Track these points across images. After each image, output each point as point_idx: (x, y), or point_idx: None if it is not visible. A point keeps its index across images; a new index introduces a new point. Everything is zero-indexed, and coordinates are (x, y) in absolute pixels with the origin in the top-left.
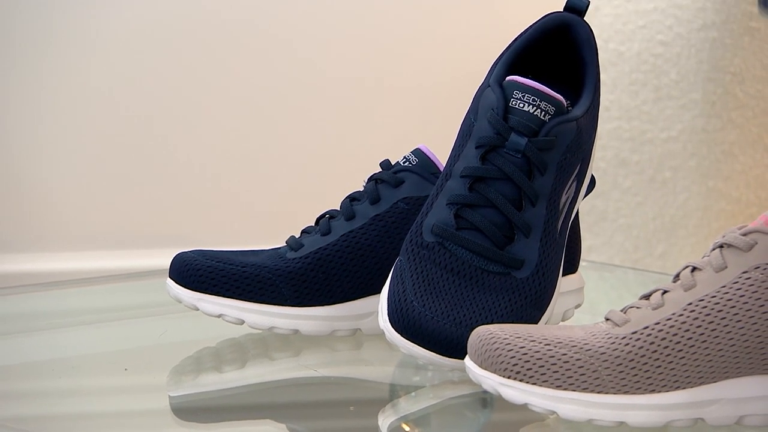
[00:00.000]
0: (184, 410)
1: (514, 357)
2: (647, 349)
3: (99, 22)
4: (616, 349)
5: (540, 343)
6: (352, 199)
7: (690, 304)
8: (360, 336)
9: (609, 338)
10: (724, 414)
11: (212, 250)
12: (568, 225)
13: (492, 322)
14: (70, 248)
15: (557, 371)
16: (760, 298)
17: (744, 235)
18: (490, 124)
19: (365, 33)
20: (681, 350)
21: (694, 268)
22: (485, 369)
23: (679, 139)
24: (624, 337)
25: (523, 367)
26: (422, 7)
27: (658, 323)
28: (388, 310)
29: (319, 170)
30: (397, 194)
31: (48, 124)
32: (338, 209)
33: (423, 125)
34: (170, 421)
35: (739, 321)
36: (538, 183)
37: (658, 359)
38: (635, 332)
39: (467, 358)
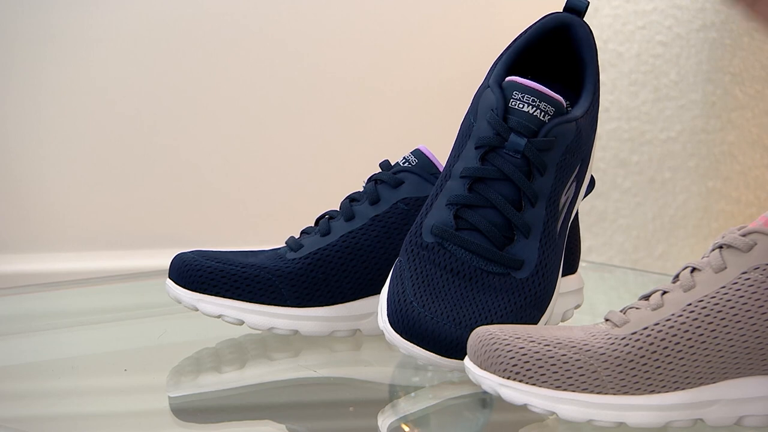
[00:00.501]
0: (184, 411)
1: (513, 358)
2: (647, 350)
3: (98, 23)
4: (616, 349)
5: (539, 343)
6: (352, 199)
7: (689, 304)
8: (359, 336)
9: (608, 339)
10: (723, 414)
11: (212, 251)
12: (568, 225)
13: (491, 323)
14: (70, 248)
15: (557, 372)
16: (759, 299)
17: (743, 235)
18: (490, 124)
19: (365, 34)
20: (680, 351)
21: (694, 269)
22: (485, 369)
23: (678, 140)
24: (623, 338)
25: (522, 367)
26: (422, 8)
27: (658, 324)
28: (387, 310)
29: (319, 171)
30: (396, 195)
31: (47, 124)
32: (338, 210)
33: (422, 126)
34: (170, 422)
35: (739, 322)
36: (538, 183)
37: (657, 360)
38: (635, 333)
39: (467, 358)
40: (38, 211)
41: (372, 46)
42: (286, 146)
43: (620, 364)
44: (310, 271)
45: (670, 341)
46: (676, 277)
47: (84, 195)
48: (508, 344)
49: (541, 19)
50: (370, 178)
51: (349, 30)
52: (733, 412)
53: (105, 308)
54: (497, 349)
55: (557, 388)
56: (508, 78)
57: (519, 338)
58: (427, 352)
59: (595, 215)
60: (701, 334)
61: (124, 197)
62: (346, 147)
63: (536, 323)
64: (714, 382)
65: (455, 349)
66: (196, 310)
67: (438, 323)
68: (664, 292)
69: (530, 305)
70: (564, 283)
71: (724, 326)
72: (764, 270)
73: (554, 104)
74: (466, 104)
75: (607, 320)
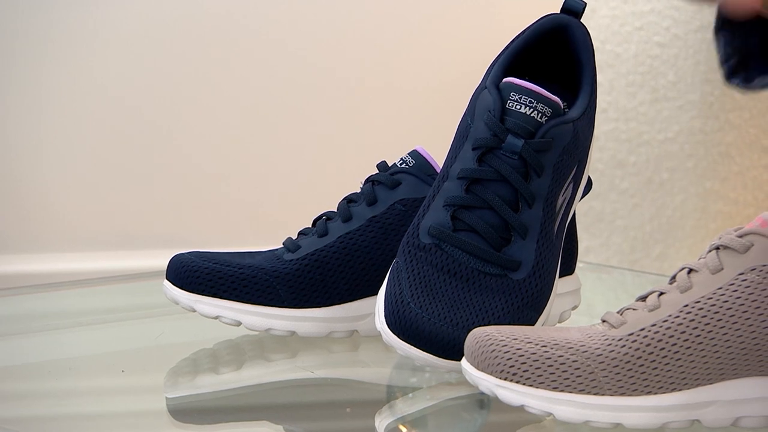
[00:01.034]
0: (181, 411)
1: (510, 359)
2: (643, 351)
3: (99, 23)
4: (613, 350)
5: (536, 344)
6: (349, 200)
7: (686, 305)
8: (357, 337)
9: (605, 340)
10: (720, 415)
11: (209, 252)
12: (565, 226)
13: (489, 324)
14: (68, 249)
15: (554, 373)
16: (756, 300)
17: (740, 236)
18: (487, 125)
19: (362, 35)
20: (677, 352)
21: (691, 270)
22: (482, 370)
23: (676, 141)
24: (620, 339)
25: (519, 368)
26: (419, 9)
27: (654, 325)
28: (384, 311)
29: (316, 172)
30: (393, 196)
31: (48, 124)
32: (335, 211)
33: (420, 127)
34: (167, 422)
35: (735, 323)
36: (535, 184)
37: (654, 361)
38: (631, 334)
39: (464, 359)
40: (38, 211)
41: (369, 48)
42: (283, 148)
43: (617, 365)
44: (307, 272)
45: (666, 342)
46: (673, 278)
47: (83, 195)
48: (505, 345)
49: (538, 21)
50: (367, 179)
51: (346, 32)
52: (729, 413)
53: (103, 309)
54: (494, 350)
55: (554, 389)
56: (506, 79)
57: (516, 339)
58: (424, 353)
59: (592, 216)
60: (698, 335)
61: (123, 198)
62: (344, 148)
63: (533, 324)
64: (711, 383)
65: (452, 350)
66: (194, 311)
67: (435, 324)
68: (661, 293)
69: (527, 306)
70: (561, 284)
71: (721, 327)
72: (761, 271)
73: (551, 105)
74: (464, 105)
75: (603, 321)
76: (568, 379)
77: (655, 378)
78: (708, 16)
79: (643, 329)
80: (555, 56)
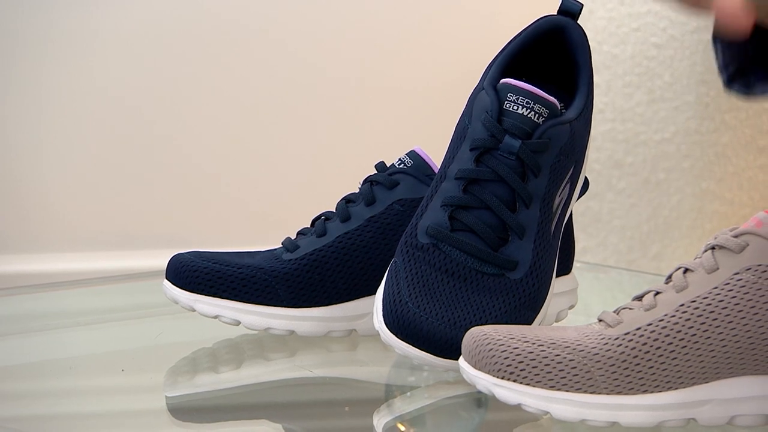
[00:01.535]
0: (181, 410)
1: (507, 358)
2: (639, 350)
3: (99, 23)
4: (609, 350)
5: (533, 344)
6: (348, 200)
7: (682, 305)
8: (355, 337)
9: (602, 339)
10: (715, 414)
11: (209, 252)
12: (562, 226)
13: (486, 323)
14: (68, 249)
15: (550, 372)
16: (751, 300)
17: (735, 236)
18: (485, 126)
19: (361, 35)
20: (673, 351)
21: (687, 270)
22: (479, 369)
23: (672, 141)
24: (617, 338)
25: (516, 367)
26: (417, 10)
27: (651, 324)
28: (383, 311)
29: (315, 172)
30: (392, 196)
31: (48, 124)
32: (334, 211)
33: (418, 127)
34: (167, 421)
35: (731, 322)
36: (532, 185)
37: (650, 360)
38: (628, 333)
39: (461, 358)
40: (38, 211)
41: (368, 47)
42: (282, 148)
43: (613, 365)
44: (306, 272)
45: (662, 342)
46: (669, 277)
47: (83, 195)
48: (503, 344)
49: (535, 22)
50: (365, 179)
51: (346, 32)
52: (725, 411)
53: (103, 308)
54: (491, 349)
55: (551, 388)
56: (503, 80)
57: (513, 338)
58: (422, 352)
59: (589, 216)
60: (693, 335)
61: (123, 198)
62: (342, 148)
63: (530, 324)
64: (706, 382)
65: (450, 349)
66: (193, 310)
67: (433, 324)
68: (657, 293)
69: (524, 306)
70: (558, 284)
71: (716, 327)
72: (756, 271)
73: (548, 106)
74: (461, 106)
75: (600, 321)
76: (564, 378)
77: (651, 377)
78: (704, 17)
79: (639, 328)
80: (552, 57)
